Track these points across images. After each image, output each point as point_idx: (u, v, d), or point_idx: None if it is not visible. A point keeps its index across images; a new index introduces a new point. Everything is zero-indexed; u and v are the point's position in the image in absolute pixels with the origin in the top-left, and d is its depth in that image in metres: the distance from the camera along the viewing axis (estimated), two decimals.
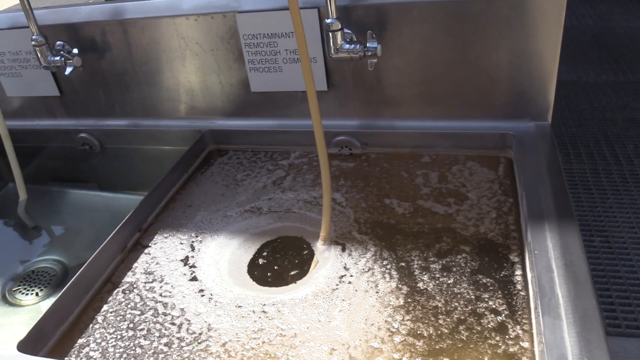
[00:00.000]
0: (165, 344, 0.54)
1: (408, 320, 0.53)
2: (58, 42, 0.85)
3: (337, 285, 0.58)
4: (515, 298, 0.54)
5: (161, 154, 0.92)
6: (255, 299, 0.58)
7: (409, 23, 0.71)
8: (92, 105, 0.93)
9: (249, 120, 0.85)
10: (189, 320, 0.57)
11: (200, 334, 0.55)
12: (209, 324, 0.56)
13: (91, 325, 0.58)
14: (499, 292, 0.55)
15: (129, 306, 0.60)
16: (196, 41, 0.80)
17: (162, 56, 0.83)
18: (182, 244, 0.68)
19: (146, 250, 0.68)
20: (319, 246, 0.65)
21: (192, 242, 0.68)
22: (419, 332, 0.52)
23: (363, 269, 0.60)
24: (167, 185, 0.76)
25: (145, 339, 0.55)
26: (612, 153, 1.69)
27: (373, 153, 0.80)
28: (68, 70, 0.83)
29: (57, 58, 0.83)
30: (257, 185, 0.77)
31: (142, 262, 0.66)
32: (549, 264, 0.51)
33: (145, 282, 0.63)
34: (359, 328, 0.53)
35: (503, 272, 0.57)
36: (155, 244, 0.69)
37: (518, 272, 0.57)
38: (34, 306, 0.72)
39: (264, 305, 0.57)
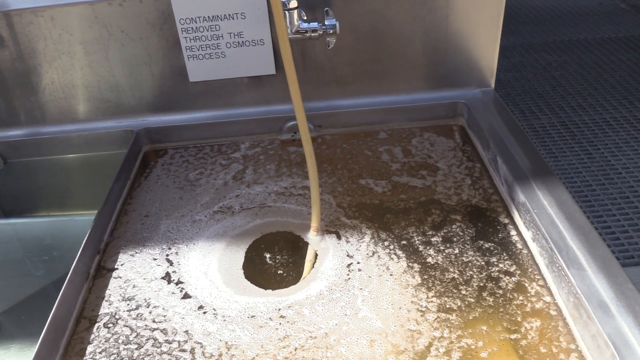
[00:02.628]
0: None
1: (432, 296, 0.53)
2: None
3: (347, 275, 0.56)
4: (520, 257, 0.57)
5: (84, 162, 0.80)
6: (267, 305, 0.54)
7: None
8: None
9: (188, 114, 0.78)
10: (201, 343, 0.50)
11: (220, 355, 0.49)
12: (226, 342, 0.50)
13: None
14: (504, 254, 0.57)
15: (120, 341, 0.51)
16: (121, 29, 0.70)
17: (78, 49, 0.71)
18: (155, 259, 0.60)
19: (114, 274, 0.59)
20: (311, 238, 0.62)
21: (167, 255, 0.61)
22: (448, 306, 0.52)
23: (367, 254, 0.58)
24: (114, 197, 0.67)
25: None
26: (547, 106, 1.83)
27: (328, 135, 0.78)
28: None
29: None
30: (216, 183, 0.71)
31: (114, 288, 0.57)
32: (552, 220, 0.55)
33: (128, 311, 0.54)
34: (389, 314, 0.52)
35: (500, 235, 0.59)
36: (122, 264, 0.60)
37: (513, 232, 0.60)
38: None
39: (279, 309, 0.53)
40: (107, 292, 0.57)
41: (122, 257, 0.61)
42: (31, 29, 0.70)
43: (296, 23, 0.66)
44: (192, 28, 0.70)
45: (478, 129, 0.72)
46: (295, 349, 0.49)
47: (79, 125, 0.78)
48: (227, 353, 0.49)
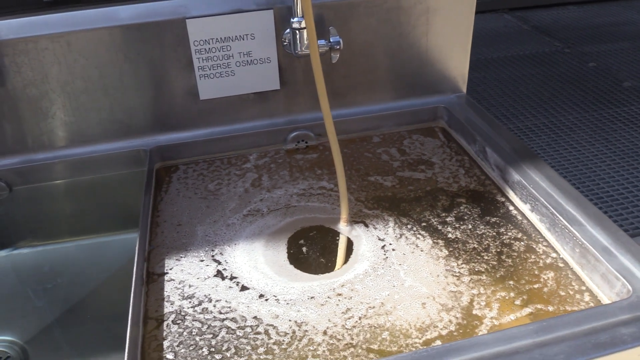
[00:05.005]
0: (266, 352, 0.52)
1: (462, 263, 0.62)
2: None
3: (384, 254, 0.64)
4: (523, 226, 0.67)
5: (92, 185, 0.81)
6: (322, 287, 0.60)
7: (356, 18, 0.79)
8: None
9: (196, 131, 0.82)
10: (272, 325, 0.55)
11: (294, 331, 0.54)
12: (295, 321, 0.56)
13: None
14: (510, 225, 0.67)
15: (194, 333, 0.55)
16: (137, 52, 0.74)
17: (93, 73, 0.74)
18: (202, 261, 0.64)
19: (166, 278, 0.62)
20: (342, 228, 0.68)
21: (212, 256, 0.65)
22: (477, 270, 0.61)
23: (396, 236, 0.66)
24: (144, 211, 0.69)
25: (239, 356, 0.52)
26: (514, 108, 2.00)
27: (328, 142, 0.86)
28: None
29: None
30: (237, 191, 0.76)
31: (171, 290, 0.60)
32: (547, 192, 0.66)
33: (192, 307, 0.58)
34: (431, 281, 0.59)
35: (501, 210, 0.70)
36: (170, 269, 0.63)
37: (511, 207, 0.70)
38: None
39: (334, 289, 0.59)
40: (165, 293, 0.60)
41: (169, 262, 0.64)
42: (46, 55, 0.72)
43: (306, 42, 0.74)
44: (205, 49, 0.75)
45: (461, 127, 0.83)
46: (360, 318, 0.56)
47: (86, 148, 0.80)
48: (299, 329, 0.55)
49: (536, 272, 0.60)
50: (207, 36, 0.75)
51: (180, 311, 0.58)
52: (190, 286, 0.61)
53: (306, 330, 0.55)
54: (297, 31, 0.73)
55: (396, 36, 0.82)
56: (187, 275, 0.62)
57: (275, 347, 0.53)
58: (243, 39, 0.76)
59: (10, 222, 0.82)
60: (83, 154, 0.80)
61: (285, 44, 0.78)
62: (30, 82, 0.74)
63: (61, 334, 0.72)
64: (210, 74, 0.78)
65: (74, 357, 0.69)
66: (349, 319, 0.56)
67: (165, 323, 0.57)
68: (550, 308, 0.56)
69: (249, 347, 0.53)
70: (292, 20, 0.73)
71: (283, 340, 0.54)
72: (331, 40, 0.75)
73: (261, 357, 0.52)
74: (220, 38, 0.75)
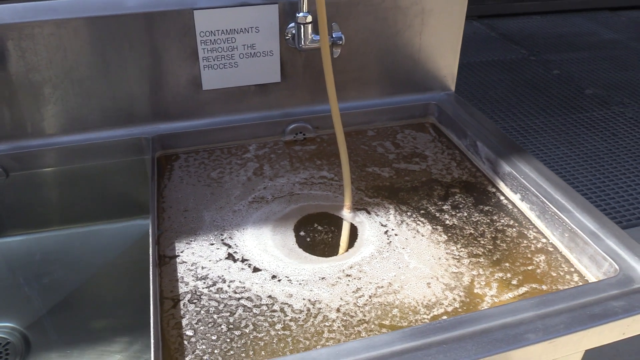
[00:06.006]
0: (283, 328, 0.55)
1: (460, 247, 0.66)
2: None
3: (388, 239, 0.67)
4: (513, 214, 0.72)
5: (89, 172, 0.81)
6: (331, 269, 0.62)
7: (355, 16, 0.82)
8: None
9: (197, 120, 0.83)
10: (287, 303, 0.58)
11: (308, 309, 0.57)
12: (309, 299, 0.58)
13: (186, 343, 0.54)
14: (502, 213, 0.72)
15: (211, 312, 0.57)
16: (143, 41, 0.75)
17: (97, 60, 0.75)
18: (212, 244, 0.66)
19: (178, 260, 0.63)
20: (346, 215, 0.71)
21: (222, 239, 0.66)
22: (475, 253, 0.65)
23: (397, 222, 0.70)
24: (153, 196, 0.70)
25: (258, 332, 0.54)
26: (483, 112, 2.06)
27: (325, 135, 0.89)
28: None
29: None
30: (240, 179, 0.78)
31: (185, 271, 0.62)
32: (536, 182, 0.71)
33: (207, 287, 0.60)
34: (434, 263, 0.63)
35: (493, 200, 0.74)
36: (181, 252, 0.64)
37: (502, 197, 0.75)
38: None
39: (343, 270, 0.62)
40: (179, 275, 0.61)
41: (179, 246, 0.66)
42: (51, 40, 0.72)
43: (310, 36, 0.77)
44: (210, 40, 0.77)
45: (451, 123, 0.87)
46: (370, 297, 0.59)
47: (86, 135, 0.80)
48: (314, 307, 0.57)
49: (529, 256, 0.65)
50: (213, 27, 0.77)
51: (196, 291, 0.59)
52: (203, 268, 0.63)
53: (320, 308, 0.57)
54: (302, 25, 0.76)
55: (392, 35, 0.86)
56: (198, 258, 0.64)
57: (292, 323, 0.56)
58: (248, 32, 0.78)
59: (5, 208, 0.81)
60: (83, 141, 0.80)
61: (287, 38, 0.80)
62: (34, 67, 0.74)
63: (60, 319, 0.72)
64: (214, 64, 0.79)
65: (74, 343, 0.69)
66: (360, 297, 0.59)
67: (181, 302, 0.58)
68: (544, 287, 0.61)
69: (266, 324, 0.56)
70: (297, 14, 0.75)
71: (299, 317, 0.56)
72: (334, 36, 0.78)
73: (279, 332, 0.55)
74: (226, 30, 0.77)
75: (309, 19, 0.75)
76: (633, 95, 2.12)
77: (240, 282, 0.61)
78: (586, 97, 2.17)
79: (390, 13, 0.84)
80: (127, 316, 0.72)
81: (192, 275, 0.61)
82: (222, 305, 0.58)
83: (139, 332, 0.70)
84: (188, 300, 0.58)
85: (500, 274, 0.62)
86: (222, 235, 0.68)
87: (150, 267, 0.58)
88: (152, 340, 0.50)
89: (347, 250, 0.66)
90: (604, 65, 2.39)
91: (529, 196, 0.71)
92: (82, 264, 0.78)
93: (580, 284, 0.61)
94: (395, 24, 0.85)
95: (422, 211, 0.72)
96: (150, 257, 0.59)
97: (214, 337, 0.54)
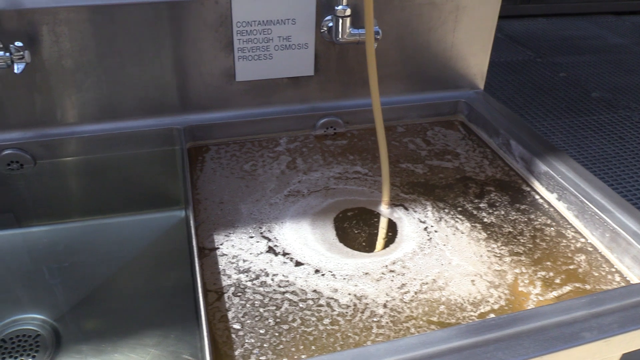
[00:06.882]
0: (332, 323, 0.54)
1: (501, 245, 0.65)
2: None
3: (428, 235, 0.66)
4: (550, 213, 0.71)
5: (119, 161, 0.80)
6: (375, 264, 0.62)
7: (390, 11, 0.81)
8: (20, 113, 0.74)
9: (229, 112, 0.82)
10: (333, 298, 0.57)
11: (355, 304, 0.56)
12: (355, 295, 0.58)
13: (234, 336, 0.53)
14: (539, 212, 0.72)
15: (256, 305, 0.56)
16: (178, 30, 0.74)
17: (132, 48, 0.73)
18: (252, 237, 0.65)
19: (218, 252, 0.62)
20: (383, 210, 0.71)
21: (261, 232, 0.66)
22: (516, 251, 0.65)
23: (435, 219, 0.69)
24: (187, 188, 0.70)
25: (306, 327, 0.54)
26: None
27: (355, 130, 0.88)
28: (19, 68, 0.66)
29: (1, 54, 0.65)
30: (274, 172, 0.77)
31: (226, 264, 0.61)
32: (574, 182, 0.70)
33: (250, 280, 0.59)
34: (476, 260, 0.63)
35: (529, 199, 0.74)
36: (221, 244, 0.64)
37: (537, 196, 0.75)
38: None
39: (386, 266, 0.62)
40: (220, 267, 0.61)
41: (218, 238, 0.65)
42: (87, 26, 0.71)
43: (348, 30, 0.76)
44: (246, 31, 0.76)
45: (482, 121, 0.87)
46: (416, 293, 0.58)
47: (116, 124, 0.79)
48: (360, 302, 0.57)
49: (569, 255, 0.65)
50: (250, 18, 0.76)
51: (239, 284, 0.59)
52: (244, 261, 0.62)
53: (367, 303, 0.57)
54: (341, 19, 0.75)
55: (425, 31, 0.85)
56: (239, 251, 0.63)
57: (339, 318, 0.55)
58: (284, 23, 0.77)
59: (31, 197, 0.80)
60: (113, 130, 0.79)
61: (323, 30, 0.80)
62: (67, 53, 0.73)
63: (90, 312, 0.71)
64: (249, 56, 0.78)
65: (106, 336, 0.68)
66: (406, 293, 0.58)
67: (225, 295, 0.57)
68: (587, 287, 0.61)
69: (314, 318, 0.55)
70: (336, 7, 0.75)
71: (346, 312, 0.56)
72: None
73: (327, 327, 0.54)
74: (263, 21, 0.76)
75: (348, 12, 0.75)
76: (639, 100, 2.14)
77: (283, 275, 0.60)
78: (593, 100, 2.18)
79: (425, 9, 0.83)
80: (158, 309, 0.71)
81: (234, 268, 0.61)
82: (267, 299, 0.57)
83: (172, 325, 0.69)
84: (232, 293, 0.58)
85: (543, 273, 0.62)
86: (260, 228, 0.67)
87: (195, 259, 0.57)
88: (204, 334, 0.50)
89: (386, 246, 0.65)
90: (610, 69, 2.41)
91: (566, 196, 0.71)
92: (111, 255, 0.77)
93: (623, 284, 0.61)
94: (429, 20, 0.84)
95: (459, 208, 0.72)
96: (194, 248, 0.58)
97: (262, 331, 0.53)
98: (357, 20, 0.79)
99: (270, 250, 0.64)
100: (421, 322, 0.55)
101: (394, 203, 0.72)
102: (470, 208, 0.72)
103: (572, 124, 1.99)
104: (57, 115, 0.77)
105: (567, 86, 2.26)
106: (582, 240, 0.67)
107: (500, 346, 0.48)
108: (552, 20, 3.07)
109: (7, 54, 0.67)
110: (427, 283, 0.60)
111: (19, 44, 0.68)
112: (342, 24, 0.75)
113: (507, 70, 2.41)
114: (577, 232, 0.68)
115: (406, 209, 0.71)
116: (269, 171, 0.77)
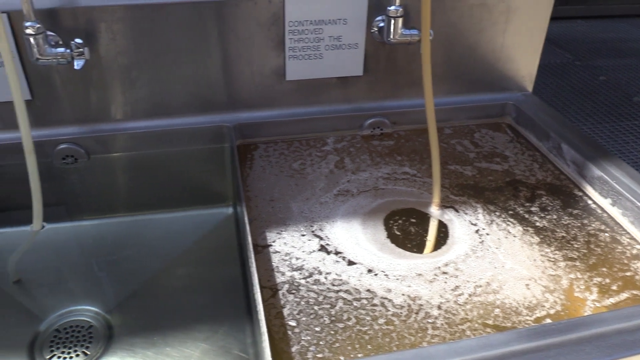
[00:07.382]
0: (386, 323, 0.54)
1: (555, 250, 0.65)
2: (48, 32, 0.69)
3: (480, 238, 0.66)
4: (604, 218, 0.70)
5: (171, 157, 0.81)
6: (426, 265, 0.62)
7: (441, 11, 0.81)
8: (76, 109, 0.77)
9: (278, 110, 0.83)
10: (387, 298, 0.57)
11: (409, 305, 0.56)
12: (408, 295, 0.58)
13: (290, 333, 0.53)
14: (592, 217, 0.70)
15: (311, 303, 0.56)
16: (232, 29, 0.75)
17: (186, 46, 0.75)
18: (303, 235, 0.65)
19: (271, 249, 0.63)
20: (434, 212, 0.71)
21: (313, 231, 0.66)
22: (570, 256, 0.64)
23: (487, 222, 0.69)
24: (236, 186, 0.71)
25: (361, 326, 0.54)
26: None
27: (402, 130, 0.88)
28: (78, 64, 0.68)
29: (62, 50, 0.67)
30: (322, 171, 0.77)
31: (279, 261, 0.61)
32: (630, 187, 0.69)
33: (303, 278, 0.59)
34: (530, 264, 0.62)
35: (581, 204, 0.73)
36: (273, 241, 0.64)
37: (589, 201, 0.73)
38: None
39: (439, 267, 0.61)
40: (273, 264, 0.61)
41: (270, 235, 0.65)
42: (144, 24, 0.73)
43: (399, 30, 0.76)
44: (298, 30, 0.77)
45: (531, 124, 0.86)
46: (470, 295, 0.58)
47: (168, 121, 0.80)
48: (414, 303, 0.57)
49: (625, 262, 0.64)
50: (303, 18, 0.76)
51: (293, 282, 0.59)
52: (297, 259, 0.62)
53: (421, 305, 0.57)
54: (393, 19, 0.75)
55: (475, 32, 0.85)
56: (291, 248, 0.64)
57: (394, 318, 0.55)
58: (335, 23, 0.78)
59: (84, 191, 0.82)
60: (164, 127, 0.81)
61: (373, 31, 0.80)
62: (123, 50, 0.75)
63: (141, 305, 0.72)
64: (300, 55, 0.79)
65: (157, 329, 0.69)
66: (460, 295, 0.58)
67: (280, 292, 0.58)
68: None
69: (368, 318, 0.55)
70: (389, 8, 0.75)
71: (401, 313, 0.56)
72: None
73: (382, 327, 0.54)
74: (315, 20, 0.77)
75: (401, 12, 0.75)
76: None
77: (336, 274, 0.60)
78: (634, 104, 2.13)
79: (476, 10, 0.83)
80: (206, 304, 0.72)
81: (287, 266, 0.61)
82: (321, 297, 0.57)
83: (221, 320, 0.70)
84: (287, 291, 0.58)
85: (599, 279, 0.61)
86: (311, 226, 0.67)
87: (251, 255, 0.58)
88: (262, 329, 0.50)
89: (438, 248, 0.65)
90: None
91: (621, 201, 0.69)
92: (158, 250, 0.78)
93: None
94: (480, 21, 0.84)
95: (510, 212, 0.71)
96: (250, 245, 0.59)
97: (317, 329, 0.54)
98: (408, 21, 0.79)
99: (322, 248, 0.64)
100: (476, 325, 0.55)
101: (444, 205, 0.72)
102: (521, 211, 0.71)
103: (613, 129, 1.95)
104: (111, 111, 0.79)
105: (607, 90, 2.21)
106: (638, 247, 0.66)
107: (562, 351, 0.48)
108: (590, 23, 3.00)
109: (68, 50, 0.69)
110: (480, 286, 0.59)
111: (79, 40, 0.70)
112: (394, 24, 0.75)
113: (545, 72, 2.37)
114: (632, 238, 0.67)
115: (457, 210, 0.71)
116: (318, 170, 0.78)
